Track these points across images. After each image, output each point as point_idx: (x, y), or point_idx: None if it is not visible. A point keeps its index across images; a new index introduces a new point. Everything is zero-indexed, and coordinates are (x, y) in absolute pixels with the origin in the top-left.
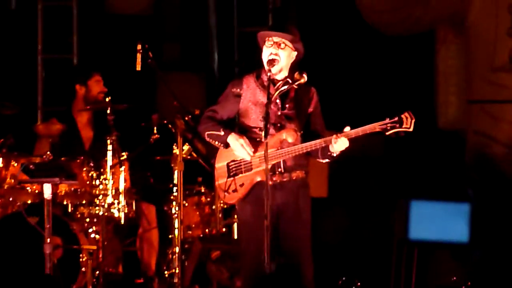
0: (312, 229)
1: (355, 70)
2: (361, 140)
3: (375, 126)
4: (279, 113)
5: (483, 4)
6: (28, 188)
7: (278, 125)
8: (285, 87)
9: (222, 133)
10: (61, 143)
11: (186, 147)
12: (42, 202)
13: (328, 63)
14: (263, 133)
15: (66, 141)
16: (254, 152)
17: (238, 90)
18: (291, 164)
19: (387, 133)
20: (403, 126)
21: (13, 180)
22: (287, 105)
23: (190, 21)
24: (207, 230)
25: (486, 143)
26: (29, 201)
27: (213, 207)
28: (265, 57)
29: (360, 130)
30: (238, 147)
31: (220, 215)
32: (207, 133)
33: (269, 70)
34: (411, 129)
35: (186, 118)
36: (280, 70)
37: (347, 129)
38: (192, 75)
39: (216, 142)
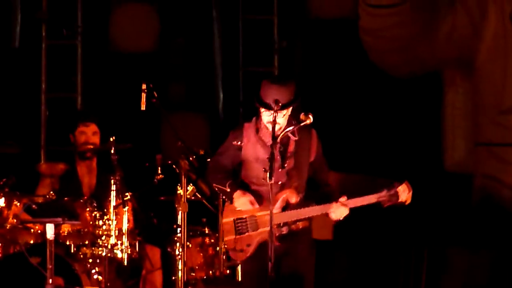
0: (316, 272)
1: (362, 111)
2: (366, 181)
3: (372, 198)
4: (279, 170)
5: (491, 46)
6: (30, 228)
7: (279, 183)
8: (290, 128)
9: (228, 189)
10: (62, 185)
11: (190, 188)
12: (44, 242)
13: (335, 103)
14: (268, 174)
15: (66, 184)
16: (259, 209)
17: (239, 143)
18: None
19: (385, 206)
20: (399, 200)
21: (15, 220)
22: (287, 162)
23: (195, 60)
24: (210, 272)
25: (494, 186)
26: (31, 241)
27: (217, 248)
28: (265, 119)
29: (358, 201)
30: (243, 204)
31: (224, 257)
32: (214, 185)
33: (273, 129)
34: (407, 203)
35: (191, 159)
36: (280, 128)
37: (343, 199)
38: (196, 115)
39: (223, 196)
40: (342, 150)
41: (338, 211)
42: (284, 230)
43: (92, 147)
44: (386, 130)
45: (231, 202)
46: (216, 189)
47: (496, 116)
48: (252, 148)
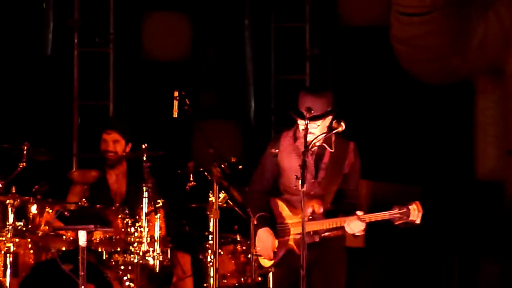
0: (347, 280)
1: (394, 118)
2: (398, 190)
3: (385, 215)
4: (312, 180)
5: None
6: (63, 235)
7: (311, 193)
8: (323, 135)
9: (255, 222)
10: (92, 193)
11: (222, 195)
12: (76, 249)
13: (366, 111)
14: (300, 182)
15: (96, 191)
16: (290, 216)
17: (276, 150)
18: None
19: (396, 223)
20: (410, 219)
21: (47, 227)
22: (320, 173)
23: (227, 68)
24: (242, 279)
25: None
26: (63, 248)
27: (249, 255)
28: (301, 129)
29: (373, 217)
30: (263, 243)
31: (256, 264)
32: (248, 209)
33: (306, 130)
34: (417, 222)
35: (222, 166)
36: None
37: (360, 213)
38: (228, 123)
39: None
40: (373, 158)
41: (354, 224)
42: (317, 238)
43: (112, 155)
44: (418, 137)
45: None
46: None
47: None
48: (287, 157)
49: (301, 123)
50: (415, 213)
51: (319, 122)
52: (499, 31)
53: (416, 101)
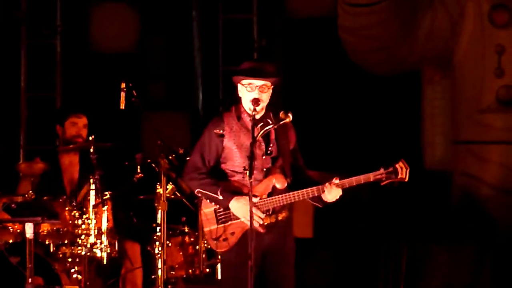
0: (297, 270)
1: (342, 108)
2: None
3: (370, 177)
4: (264, 157)
5: (470, 44)
6: (10, 227)
7: (264, 169)
8: (270, 126)
9: (220, 197)
10: (42, 184)
11: (169, 187)
12: (24, 241)
13: (315, 101)
14: (248, 173)
15: (47, 182)
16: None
17: (221, 131)
18: (279, 206)
19: (382, 184)
20: (398, 177)
21: None
22: (270, 148)
23: (174, 60)
24: (190, 271)
25: (473, 184)
26: (10, 241)
27: (197, 247)
28: (247, 100)
29: (354, 180)
30: (244, 212)
31: (204, 256)
32: (198, 190)
33: (254, 110)
34: (406, 179)
35: (170, 158)
36: (262, 109)
37: (336, 180)
38: (176, 114)
39: (213, 203)
40: (321, 148)
41: (333, 192)
42: (273, 218)
43: (80, 140)
44: (366, 128)
45: (225, 209)
46: (200, 194)
47: (474, 114)
48: (235, 136)
49: (248, 90)
50: (403, 170)
51: (269, 84)
52: (447, 21)
53: (364, 91)
